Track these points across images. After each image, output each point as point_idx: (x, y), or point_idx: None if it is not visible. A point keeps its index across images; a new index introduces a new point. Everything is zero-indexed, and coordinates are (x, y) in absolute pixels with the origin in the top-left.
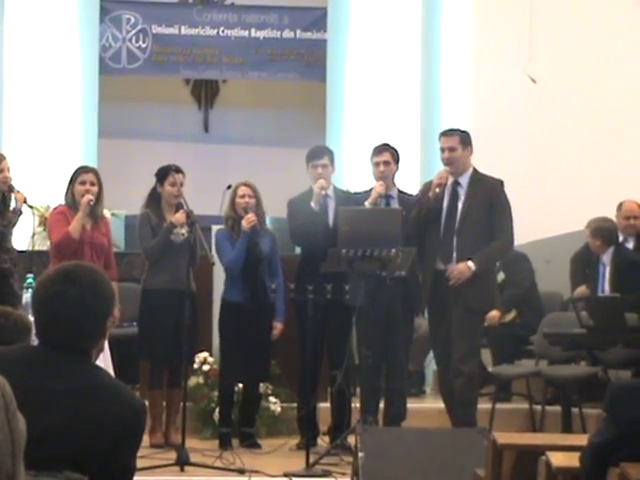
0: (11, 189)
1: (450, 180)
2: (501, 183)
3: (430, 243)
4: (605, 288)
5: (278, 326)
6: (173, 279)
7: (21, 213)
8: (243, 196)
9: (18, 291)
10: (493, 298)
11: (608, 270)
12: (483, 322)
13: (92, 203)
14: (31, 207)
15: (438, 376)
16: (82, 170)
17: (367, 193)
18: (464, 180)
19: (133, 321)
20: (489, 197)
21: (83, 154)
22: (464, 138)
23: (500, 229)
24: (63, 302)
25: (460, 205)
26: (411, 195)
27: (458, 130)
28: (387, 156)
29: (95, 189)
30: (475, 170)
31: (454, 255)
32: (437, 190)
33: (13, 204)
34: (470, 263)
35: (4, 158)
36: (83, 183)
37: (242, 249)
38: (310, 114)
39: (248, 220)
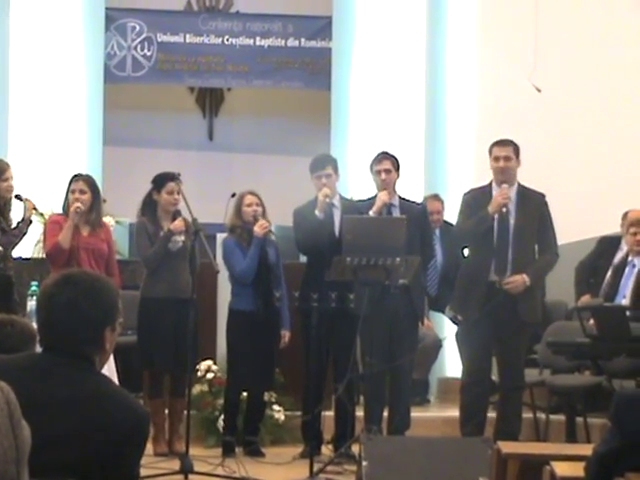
0: (20, 198)
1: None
2: (544, 196)
3: (479, 255)
4: (626, 292)
5: (287, 334)
6: (171, 287)
7: (31, 222)
8: (250, 204)
9: (21, 299)
10: (540, 310)
11: (635, 273)
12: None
13: (79, 211)
14: (41, 214)
15: (468, 386)
16: (73, 178)
17: (370, 201)
18: (512, 193)
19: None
20: (539, 211)
21: (88, 162)
22: (516, 149)
23: (549, 243)
24: (56, 304)
25: (512, 219)
26: (413, 202)
27: (512, 141)
28: (388, 164)
29: (86, 197)
30: (519, 184)
31: (509, 267)
32: (504, 210)
33: (22, 213)
34: (525, 277)
35: (8, 167)
36: (73, 192)
37: (255, 256)
38: (315, 122)
39: (262, 226)
